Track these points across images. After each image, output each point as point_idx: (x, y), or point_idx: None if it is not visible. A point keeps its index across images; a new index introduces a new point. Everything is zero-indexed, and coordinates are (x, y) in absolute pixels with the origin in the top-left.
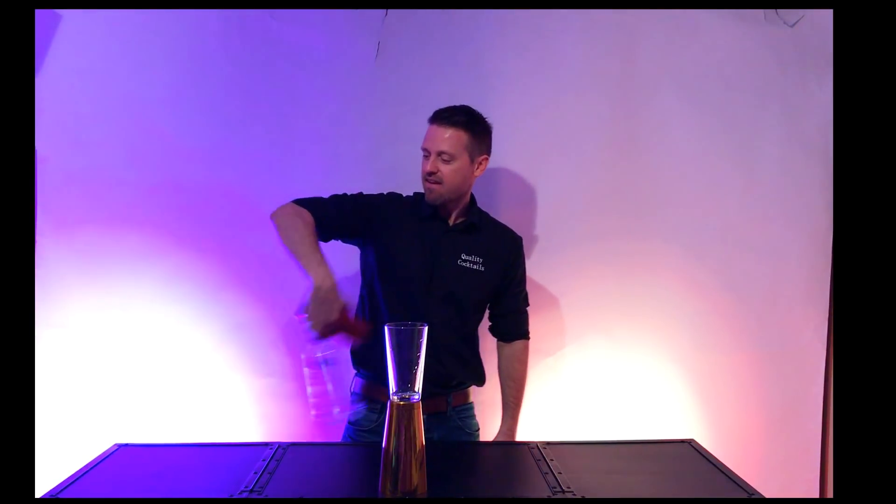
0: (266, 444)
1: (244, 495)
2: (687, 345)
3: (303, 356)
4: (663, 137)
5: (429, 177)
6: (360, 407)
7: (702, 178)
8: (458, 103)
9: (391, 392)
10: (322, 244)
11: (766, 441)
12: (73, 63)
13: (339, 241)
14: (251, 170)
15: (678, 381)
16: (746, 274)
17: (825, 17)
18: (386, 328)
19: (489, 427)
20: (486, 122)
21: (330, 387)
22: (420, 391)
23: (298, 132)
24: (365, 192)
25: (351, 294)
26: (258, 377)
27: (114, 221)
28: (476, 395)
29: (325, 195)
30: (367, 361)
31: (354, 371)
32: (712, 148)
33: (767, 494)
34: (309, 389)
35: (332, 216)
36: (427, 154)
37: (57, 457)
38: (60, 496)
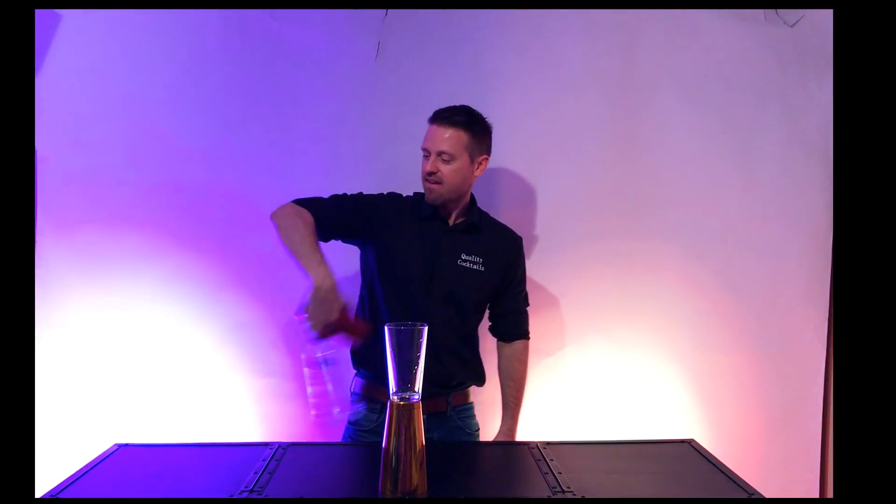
0: (266, 444)
1: (244, 495)
2: (687, 345)
3: (303, 356)
4: (663, 137)
5: (429, 177)
6: (360, 407)
7: (702, 178)
8: (458, 103)
9: (391, 392)
10: (322, 244)
11: (766, 441)
12: (73, 63)
13: (339, 241)
14: (251, 170)
15: (678, 381)
16: (746, 274)
17: (825, 17)
18: (386, 328)
19: (489, 427)
20: (486, 122)
21: (330, 387)
22: (420, 391)
23: (298, 132)
24: (365, 192)
25: (351, 294)
26: (258, 377)
27: (114, 221)
28: (476, 395)
29: (325, 195)
30: (367, 361)
31: (354, 371)
32: (712, 148)
33: (767, 494)
34: (309, 389)
35: (332, 216)
36: (427, 154)
37: (57, 457)
38: (60, 496)
